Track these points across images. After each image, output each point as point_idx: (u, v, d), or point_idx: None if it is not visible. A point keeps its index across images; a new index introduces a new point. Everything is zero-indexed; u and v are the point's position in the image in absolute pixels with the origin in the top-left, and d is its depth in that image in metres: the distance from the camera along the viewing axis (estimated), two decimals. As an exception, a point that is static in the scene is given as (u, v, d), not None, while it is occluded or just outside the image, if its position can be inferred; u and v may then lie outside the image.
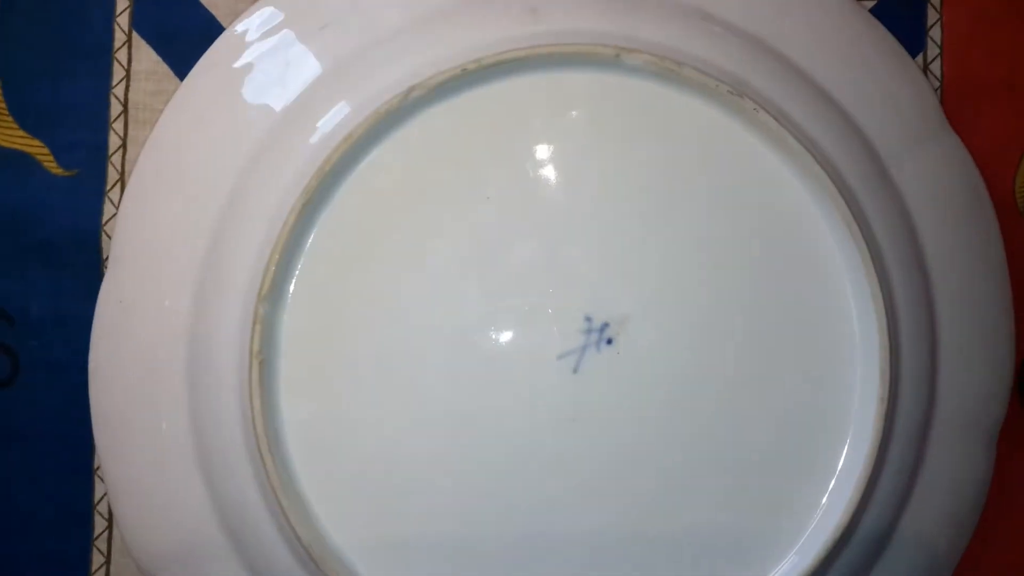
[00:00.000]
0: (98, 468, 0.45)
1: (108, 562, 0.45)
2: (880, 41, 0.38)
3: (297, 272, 0.35)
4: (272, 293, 0.34)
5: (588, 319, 0.35)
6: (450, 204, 0.36)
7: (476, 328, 0.35)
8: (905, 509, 0.36)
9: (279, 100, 0.37)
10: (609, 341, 0.35)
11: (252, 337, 0.34)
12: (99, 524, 0.45)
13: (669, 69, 0.34)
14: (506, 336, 0.35)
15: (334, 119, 0.36)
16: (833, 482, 0.35)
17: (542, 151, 0.36)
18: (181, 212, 0.37)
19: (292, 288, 0.35)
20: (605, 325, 0.35)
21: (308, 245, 0.35)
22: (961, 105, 0.44)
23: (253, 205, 0.36)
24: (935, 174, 0.37)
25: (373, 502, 0.35)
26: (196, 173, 0.37)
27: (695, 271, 0.35)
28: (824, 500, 0.35)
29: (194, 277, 0.36)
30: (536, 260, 0.35)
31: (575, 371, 0.35)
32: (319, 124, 0.36)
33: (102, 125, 0.46)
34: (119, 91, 0.46)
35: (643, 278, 0.35)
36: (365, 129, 0.34)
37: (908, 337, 0.36)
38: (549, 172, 0.36)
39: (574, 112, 0.36)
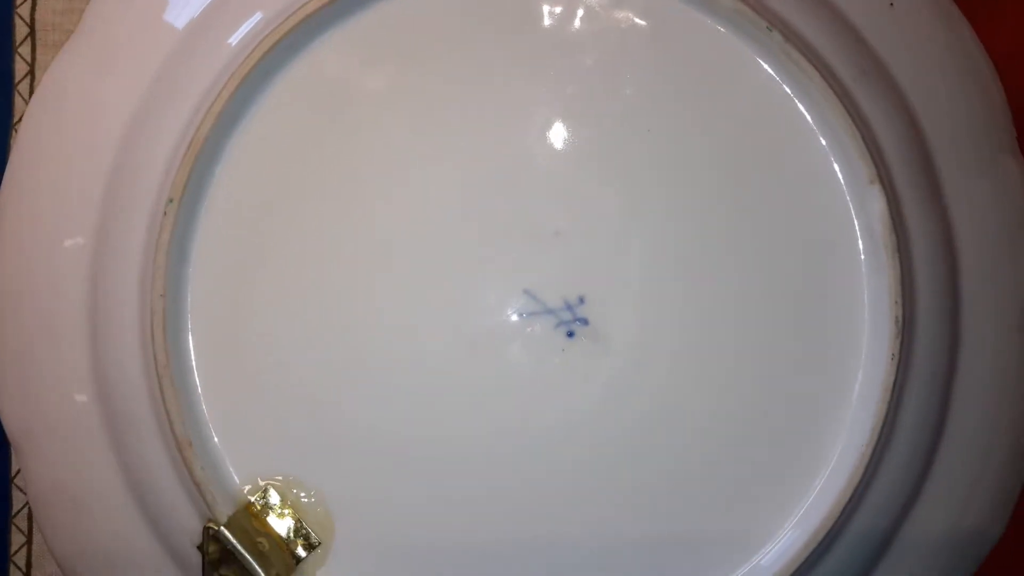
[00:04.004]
0: (16, 475, 0.42)
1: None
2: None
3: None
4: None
5: (581, 300, 0.33)
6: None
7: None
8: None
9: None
10: (570, 334, 0.33)
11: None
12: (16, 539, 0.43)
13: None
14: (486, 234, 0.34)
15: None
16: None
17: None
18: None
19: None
20: (583, 321, 0.33)
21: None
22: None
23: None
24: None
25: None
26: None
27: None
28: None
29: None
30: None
31: (520, 316, 0.33)
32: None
33: (6, 49, 0.42)
34: (24, 10, 0.42)
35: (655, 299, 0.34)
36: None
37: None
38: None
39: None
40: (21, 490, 0.43)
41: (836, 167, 0.33)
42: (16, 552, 0.43)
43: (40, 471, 0.35)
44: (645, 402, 0.33)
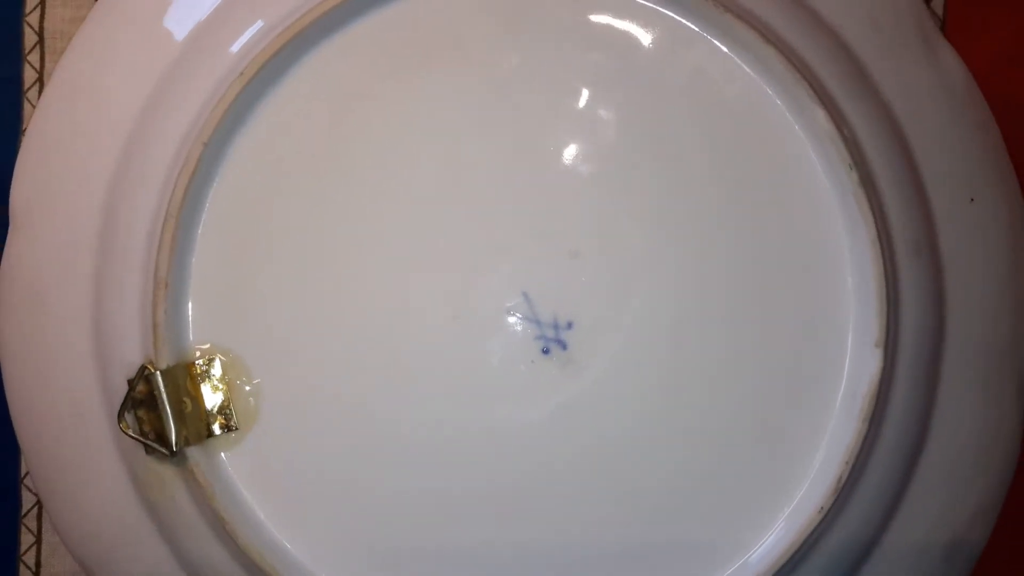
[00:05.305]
0: (25, 476, 0.43)
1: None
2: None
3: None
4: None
5: (570, 324, 0.34)
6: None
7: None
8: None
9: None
10: (546, 351, 0.34)
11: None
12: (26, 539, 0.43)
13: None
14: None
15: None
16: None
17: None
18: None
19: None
20: (562, 344, 0.34)
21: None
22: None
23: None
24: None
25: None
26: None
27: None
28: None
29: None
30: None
31: (508, 313, 0.34)
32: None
33: (15, 57, 0.42)
34: (33, 19, 0.43)
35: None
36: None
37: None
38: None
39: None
40: (31, 490, 0.43)
41: (851, 315, 0.33)
42: (26, 551, 0.43)
43: (18, 251, 0.35)
44: (588, 434, 0.34)
